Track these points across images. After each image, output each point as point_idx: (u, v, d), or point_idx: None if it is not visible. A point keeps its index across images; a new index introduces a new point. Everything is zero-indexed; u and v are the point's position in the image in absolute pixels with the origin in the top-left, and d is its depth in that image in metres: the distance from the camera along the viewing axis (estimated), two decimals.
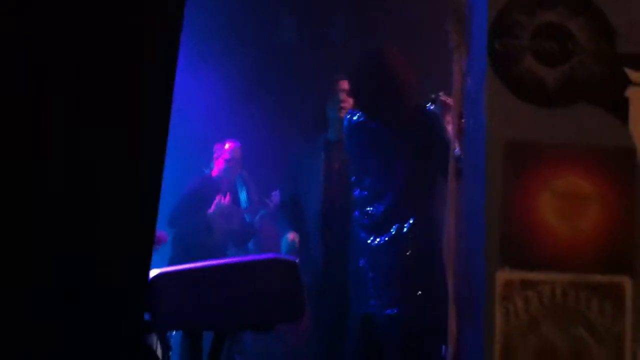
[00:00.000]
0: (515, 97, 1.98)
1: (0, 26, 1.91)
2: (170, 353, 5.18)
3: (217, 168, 6.63)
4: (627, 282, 1.89)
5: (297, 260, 2.88)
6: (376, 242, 3.59)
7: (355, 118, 3.68)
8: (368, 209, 3.61)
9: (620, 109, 1.97)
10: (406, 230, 3.49)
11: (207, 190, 6.49)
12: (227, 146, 6.61)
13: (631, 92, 1.97)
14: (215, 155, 6.64)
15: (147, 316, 2.67)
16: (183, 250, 6.04)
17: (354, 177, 3.71)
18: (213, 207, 6.46)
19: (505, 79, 1.99)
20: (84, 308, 1.99)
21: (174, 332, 5.71)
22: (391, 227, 3.55)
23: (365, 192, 3.63)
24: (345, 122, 3.80)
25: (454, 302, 2.15)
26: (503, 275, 1.91)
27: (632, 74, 1.98)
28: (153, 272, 2.70)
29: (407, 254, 3.51)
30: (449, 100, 3.20)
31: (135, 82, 2.11)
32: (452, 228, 2.24)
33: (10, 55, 1.94)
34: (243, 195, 6.70)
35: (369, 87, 3.56)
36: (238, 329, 3.76)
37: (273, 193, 6.27)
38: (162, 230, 5.33)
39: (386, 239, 3.59)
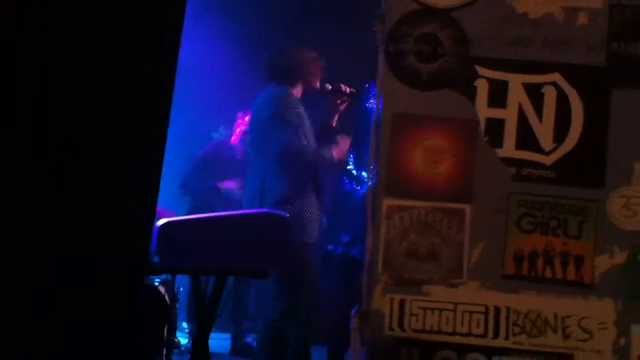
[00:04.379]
0: (401, 83, 2.89)
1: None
2: (178, 305, 5.56)
3: (236, 136, 6.52)
4: (467, 208, 2.84)
5: (287, 215, 3.30)
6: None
7: None
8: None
9: (471, 94, 2.87)
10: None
11: (220, 156, 6.44)
12: (247, 118, 6.12)
13: (478, 83, 2.89)
14: (236, 123, 6.54)
15: (156, 259, 2.96)
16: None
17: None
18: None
19: (395, 71, 2.91)
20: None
21: (182, 289, 6.31)
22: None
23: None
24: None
25: (371, 224, 3.03)
26: (387, 202, 2.85)
27: (480, 70, 2.91)
28: (161, 221, 3.03)
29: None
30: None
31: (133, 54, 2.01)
32: (371, 172, 3.15)
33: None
34: None
35: None
36: (235, 274, 4.31)
37: None
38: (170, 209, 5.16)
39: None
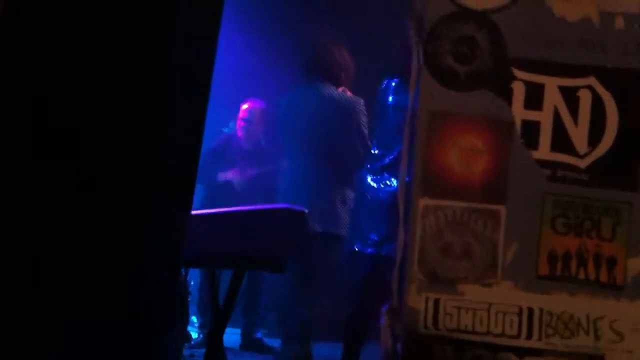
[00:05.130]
0: (438, 84, 2.92)
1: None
2: (189, 298, 5.80)
3: (238, 127, 6.51)
4: (502, 209, 2.86)
5: (306, 210, 3.35)
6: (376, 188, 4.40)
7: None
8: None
9: (507, 96, 2.90)
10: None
11: (228, 148, 6.49)
12: (245, 106, 6.47)
13: (514, 85, 2.92)
14: (238, 115, 6.55)
15: None
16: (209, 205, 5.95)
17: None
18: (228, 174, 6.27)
19: (433, 71, 2.94)
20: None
21: (192, 282, 6.34)
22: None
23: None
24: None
25: (402, 222, 3.06)
26: (423, 202, 2.87)
27: (516, 72, 2.93)
28: None
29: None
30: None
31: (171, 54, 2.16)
32: (403, 170, 3.17)
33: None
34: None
35: None
36: (254, 268, 4.24)
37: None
38: None
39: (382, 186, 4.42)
